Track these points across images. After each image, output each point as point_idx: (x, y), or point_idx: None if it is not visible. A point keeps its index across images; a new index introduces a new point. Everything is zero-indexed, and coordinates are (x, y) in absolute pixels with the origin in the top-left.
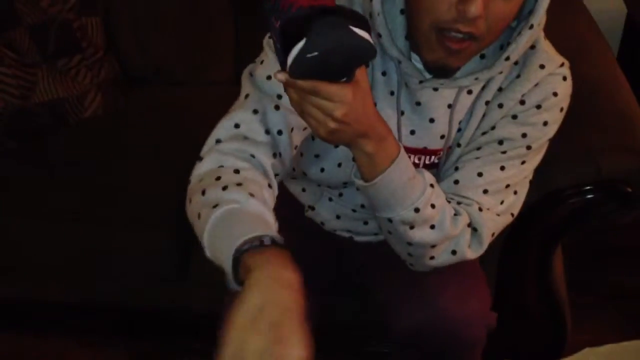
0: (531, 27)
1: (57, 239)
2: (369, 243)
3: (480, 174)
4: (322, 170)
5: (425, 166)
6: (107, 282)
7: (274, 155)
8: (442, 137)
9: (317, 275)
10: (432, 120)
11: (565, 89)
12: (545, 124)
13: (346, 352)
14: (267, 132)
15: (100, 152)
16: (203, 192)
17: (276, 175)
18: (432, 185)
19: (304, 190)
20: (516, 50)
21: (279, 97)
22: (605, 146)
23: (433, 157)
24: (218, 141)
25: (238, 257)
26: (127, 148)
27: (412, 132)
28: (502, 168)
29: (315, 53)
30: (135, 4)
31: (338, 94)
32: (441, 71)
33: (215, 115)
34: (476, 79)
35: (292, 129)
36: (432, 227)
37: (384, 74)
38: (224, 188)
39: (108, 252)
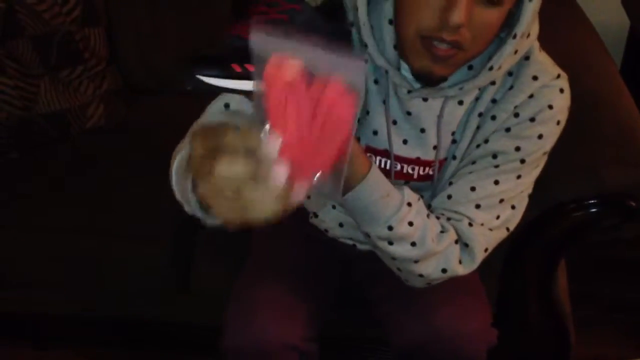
0: (514, 36)
1: (56, 251)
2: (372, 253)
3: (473, 189)
4: None
5: (420, 177)
6: (107, 295)
7: None
8: (435, 147)
9: (322, 281)
10: (422, 131)
11: (562, 101)
12: (540, 137)
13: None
14: None
15: (101, 164)
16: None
17: None
18: (409, 204)
19: (308, 196)
20: (500, 59)
21: None
22: (608, 160)
23: (427, 168)
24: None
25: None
26: (128, 160)
27: (405, 142)
28: (497, 182)
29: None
30: (138, 16)
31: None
32: (428, 79)
33: None
34: (461, 88)
35: None
36: (413, 244)
37: (376, 82)
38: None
39: (108, 265)
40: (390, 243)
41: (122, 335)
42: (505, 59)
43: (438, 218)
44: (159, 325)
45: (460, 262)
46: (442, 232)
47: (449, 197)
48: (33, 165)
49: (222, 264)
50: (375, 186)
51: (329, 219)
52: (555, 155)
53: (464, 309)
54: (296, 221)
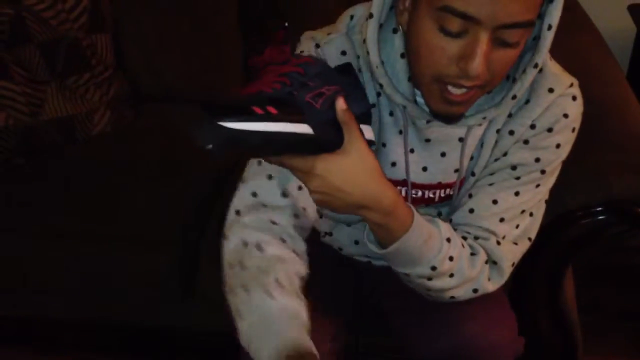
0: (535, 65)
1: (60, 257)
2: (388, 267)
3: (495, 201)
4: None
5: (441, 199)
6: (111, 300)
7: (296, 215)
8: (456, 170)
9: (337, 300)
10: (443, 154)
11: (575, 108)
12: (558, 146)
13: None
14: (284, 194)
15: (107, 170)
16: (231, 290)
17: (305, 229)
18: (448, 240)
19: (320, 216)
20: (522, 88)
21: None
22: (616, 167)
23: (448, 189)
24: (237, 212)
25: None
26: (134, 167)
27: (425, 169)
28: (517, 193)
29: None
30: (144, 22)
31: (301, 167)
32: (447, 119)
33: None
34: (484, 118)
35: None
36: (451, 275)
37: (391, 114)
38: (245, 289)
39: (112, 270)
40: (430, 279)
41: (125, 341)
42: (526, 86)
43: (465, 238)
44: (162, 331)
45: (489, 279)
46: (472, 254)
47: (471, 211)
48: (39, 171)
49: None
50: (420, 233)
51: (343, 237)
52: (563, 163)
53: (492, 319)
54: (310, 240)
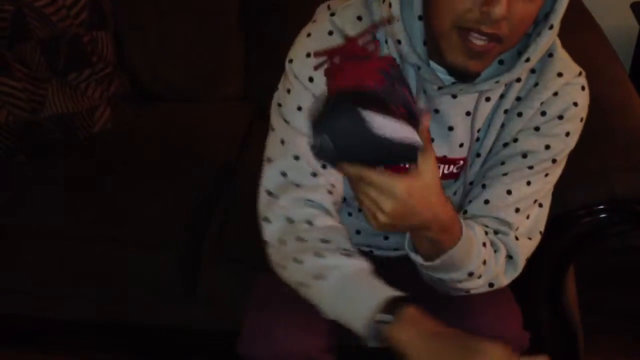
0: (551, 27)
1: (62, 256)
2: (388, 258)
3: (509, 192)
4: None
5: (444, 175)
6: (113, 300)
7: (329, 192)
8: (461, 145)
9: None
10: (450, 129)
11: (584, 99)
12: (567, 134)
13: None
14: (314, 174)
15: (108, 169)
16: (296, 260)
17: (339, 205)
18: (484, 245)
19: None
20: (536, 51)
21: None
22: (619, 166)
23: (452, 166)
24: (269, 193)
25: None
26: (135, 165)
27: (432, 140)
28: (529, 183)
29: (331, 146)
30: (145, 20)
31: (386, 186)
32: (462, 75)
33: (224, 132)
34: (497, 82)
35: None
36: (480, 276)
37: None
38: (317, 254)
39: (114, 270)
40: (461, 282)
41: (128, 341)
42: (540, 50)
43: (486, 233)
44: (165, 331)
45: (504, 273)
46: (495, 251)
47: (487, 202)
48: (40, 168)
49: (229, 269)
50: (464, 243)
51: (346, 227)
52: (565, 160)
53: (498, 313)
54: None
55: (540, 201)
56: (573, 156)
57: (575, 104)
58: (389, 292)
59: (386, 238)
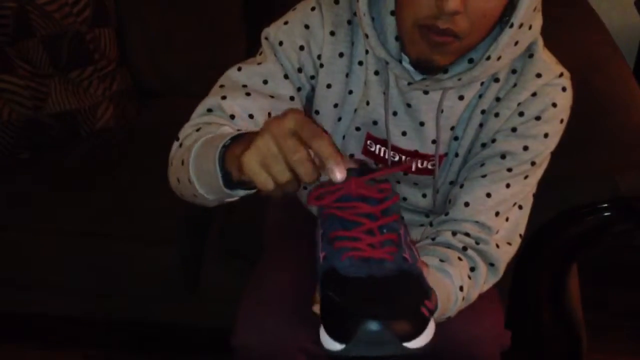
0: (511, 25)
1: (64, 253)
2: None
3: (488, 195)
4: None
5: (418, 170)
6: (115, 296)
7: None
8: (433, 142)
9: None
10: (422, 124)
11: (564, 100)
12: (546, 135)
13: None
14: (232, 116)
15: (111, 166)
16: (181, 145)
17: None
18: (461, 289)
19: (305, 188)
20: (497, 49)
21: (244, 86)
22: (623, 163)
23: (425, 162)
24: (191, 119)
25: (223, 156)
26: (137, 162)
27: (404, 134)
28: (508, 186)
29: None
30: (148, 18)
31: None
32: (427, 68)
33: None
34: (459, 79)
35: (269, 114)
36: (463, 300)
37: (376, 73)
38: (198, 129)
39: (116, 266)
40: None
41: (130, 337)
42: (504, 49)
43: (465, 249)
44: (166, 327)
45: (485, 282)
46: (472, 268)
47: (467, 204)
48: (43, 165)
49: (231, 265)
50: (442, 305)
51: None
52: (568, 158)
53: (477, 312)
54: (306, 228)
55: (520, 203)
56: (576, 154)
57: (554, 105)
58: (227, 138)
59: None
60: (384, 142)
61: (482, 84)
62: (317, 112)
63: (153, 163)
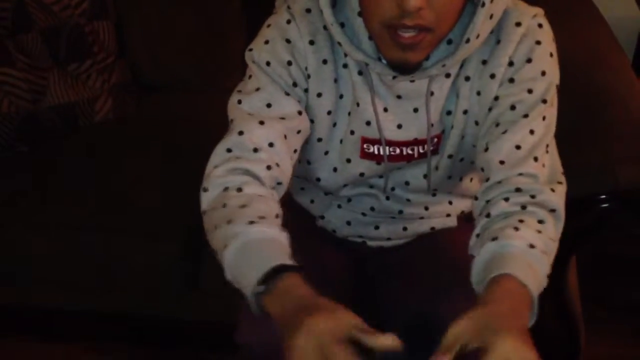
0: (483, 4)
1: (64, 247)
2: (382, 248)
3: (518, 147)
4: (319, 179)
5: (420, 155)
6: (115, 291)
7: (268, 167)
8: (432, 125)
9: (335, 281)
10: (415, 110)
11: (545, 35)
12: (543, 74)
13: None
14: (256, 149)
15: (110, 160)
16: (215, 227)
17: (279, 183)
18: (531, 246)
19: (312, 201)
20: (474, 30)
21: (253, 115)
22: (622, 155)
23: (426, 146)
24: (215, 167)
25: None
26: (137, 155)
27: (399, 126)
28: (532, 132)
29: None
30: (147, 10)
31: None
32: (404, 68)
33: (226, 124)
34: (443, 66)
35: (285, 136)
36: (545, 253)
37: (360, 73)
38: (229, 221)
39: (116, 261)
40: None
41: (131, 332)
42: (481, 27)
43: (524, 207)
44: (167, 322)
45: (556, 229)
46: (540, 221)
47: (502, 162)
48: (41, 159)
49: None
50: (533, 285)
51: (336, 219)
52: (568, 151)
53: (466, 297)
54: (304, 228)
55: (548, 147)
56: (575, 146)
57: (538, 43)
58: (275, 261)
59: (377, 227)
60: (378, 141)
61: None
62: (312, 121)
63: (153, 158)
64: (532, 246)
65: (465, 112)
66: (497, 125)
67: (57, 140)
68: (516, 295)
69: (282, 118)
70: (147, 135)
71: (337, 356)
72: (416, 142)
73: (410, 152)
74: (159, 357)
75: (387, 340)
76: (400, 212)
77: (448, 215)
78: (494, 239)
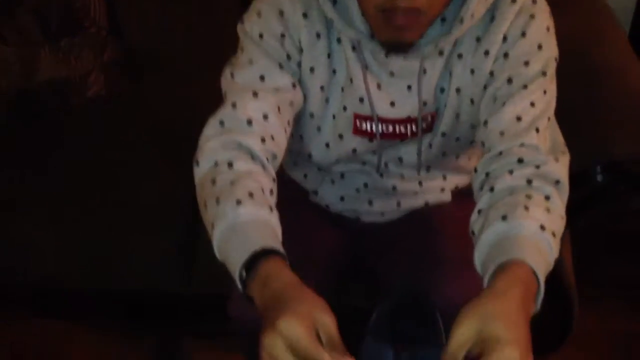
0: None
1: (59, 226)
2: (376, 224)
3: (519, 118)
4: (310, 155)
5: (413, 134)
6: (111, 267)
7: (262, 140)
8: (425, 103)
9: (328, 256)
10: (409, 88)
11: (539, 9)
12: (540, 47)
13: (357, 338)
14: (249, 121)
15: (103, 138)
16: (204, 205)
17: (274, 156)
18: (543, 227)
19: (305, 176)
20: (468, 10)
21: (247, 88)
22: (618, 128)
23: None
24: (207, 140)
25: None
26: (130, 134)
27: (392, 104)
28: (532, 104)
29: None
30: None
31: None
32: (399, 48)
33: (221, 102)
34: (436, 46)
35: (278, 109)
36: (554, 235)
37: (353, 49)
38: (217, 200)
39: (111, 240)
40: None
41: (125, 308)
42: (476, 7)
43: (530, 181)
44: (163, 296)
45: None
46: (547, 197)
47: (502, 133)
48: (35, 138)
49: None
50: (541, 266)
51: (329, 195)
52: (564, 124)
53: (475, 281)
54: (298, 203)
55: (551, 120)
56: (572, 119)
57: (533, 16)
58: (256, 246)
59: (370, 203)
60: (371, 118)
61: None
62: (304, 97)
63: (146, 136)
64: (542, 227)
65: (458, 90)
66: (495, 99)
67: (50, 120)
68: (526, 284)
69: (276, 90)
70: (142, 119)
71: (307, 351)
72: (409, 120)
73: (403, 130)
74: (155, 330)
75: None
76: (394, 188)
77: (442, 190)
78: (504, 217)
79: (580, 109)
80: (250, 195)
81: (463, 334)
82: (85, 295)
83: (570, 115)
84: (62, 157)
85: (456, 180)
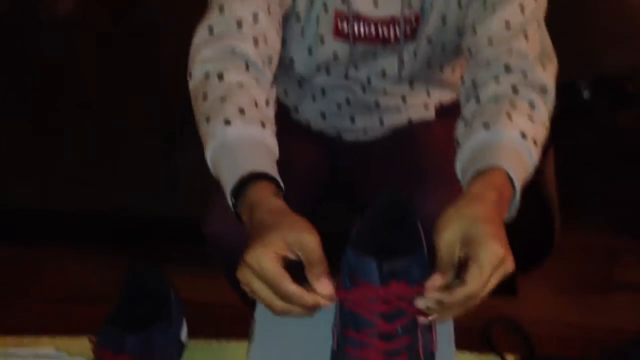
0: None
1: (47, 149)
2: (359, 142)
3: (507, 23)
4: (292, 61)
5: (396, 39)
6: (95, 189)
7: (255, 42)
8: (410, 4)
9: (309, 175)
10: None
11: None
12: None
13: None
14: (239, 23)
15: (82, 66)
16: (198, 122)
17: (269, 60)
18: (523, 135)
19: (285, 92)
20: None
21: None
22: (608, 41)
23: (406, 26)
24: (198, 50)
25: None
26: (112, 63)
27: (376, 3)
28: (522, 9)
29: None
30: None
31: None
32: None
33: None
34: None
35: (268, 8)
36: (536, 143)
37: None
38: (207, 118)
39: (98, 163)
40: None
41: (114, 231)
42: None
43: (516, 89)
44: (148, 221)
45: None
46: (532, 105)
47: (490, 40)
48: (17, 60)
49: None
50: (519, 173)
51: (310, 111)
52: (554, 33)
53: (454, 196)
54: (279, 118)
55: (540, 24)
56: (560, 35)
57: None
58: (244, 170)
59: (352, 120)
60: (355, 18)
61: None
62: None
63: (129, 64)
64: (524, 135)
65: None
66: (485, 4)
67: (20, 39)
68: (500, 189)
69: None
70: (121, 57)
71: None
72: (392, 20)
73: (385, 32)
74: (141, 253)
75: (324, 290)
76: (377, 104)
77: (426, 106)
78: (486, 125)
79: (572, 27)
80: (241, 111)
81: (449, 238)
82: (64, 218)
83: (562, 25)
84: (41, 76)
85: (440, 95)
